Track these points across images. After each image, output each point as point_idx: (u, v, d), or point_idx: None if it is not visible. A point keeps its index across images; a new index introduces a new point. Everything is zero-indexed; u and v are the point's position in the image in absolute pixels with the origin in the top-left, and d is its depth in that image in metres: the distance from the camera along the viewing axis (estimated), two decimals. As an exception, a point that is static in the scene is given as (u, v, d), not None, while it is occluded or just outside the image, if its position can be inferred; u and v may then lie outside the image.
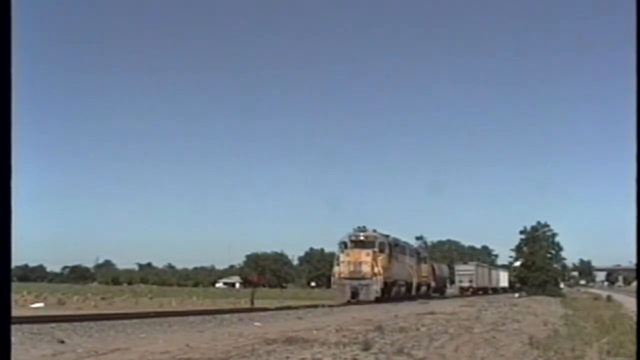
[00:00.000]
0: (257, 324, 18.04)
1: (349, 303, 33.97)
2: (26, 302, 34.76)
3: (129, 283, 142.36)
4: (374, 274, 36.16)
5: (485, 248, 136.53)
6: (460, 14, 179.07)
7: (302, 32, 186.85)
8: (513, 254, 72.65)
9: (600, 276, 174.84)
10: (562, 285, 79.43)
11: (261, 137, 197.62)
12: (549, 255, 69.79)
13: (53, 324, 15.08)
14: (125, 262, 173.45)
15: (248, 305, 32.58)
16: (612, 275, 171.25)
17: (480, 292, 69.70)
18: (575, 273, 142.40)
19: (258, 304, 34.07)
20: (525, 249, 70.15)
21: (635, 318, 19.86)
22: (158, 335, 13.84)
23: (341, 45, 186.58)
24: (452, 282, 68.04)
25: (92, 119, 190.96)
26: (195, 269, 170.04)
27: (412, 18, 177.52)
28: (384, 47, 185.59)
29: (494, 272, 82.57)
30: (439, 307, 29.56)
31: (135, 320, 17.57)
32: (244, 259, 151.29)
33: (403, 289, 41.65)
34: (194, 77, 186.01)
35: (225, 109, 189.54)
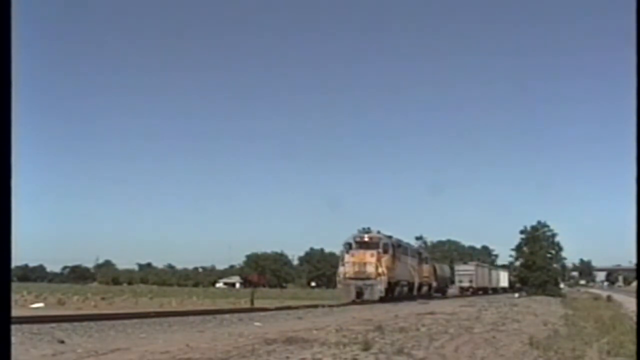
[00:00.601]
0: (257, 324, 18.04)
1: (353, 303, 34.51)
2: (26, 302, 34.74)
3: (129, 283, 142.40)
4: (379, 274, 36.96)
5: (485, 248, 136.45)
6: (461, 14, 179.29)
7: (302, 33, 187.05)
8: (513, 254, 72.71)
9: (600, 276, 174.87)
10: (562, 285, 79.40)
11: (261, 137, 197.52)
12: (549, 255, 69.76)
13: (53, 324, 15.07)
14: (125, 262, 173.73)
15: (248, 306, 32.57)
16: (612, 275, 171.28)
17: (480, 292, 69.73)
18: (575, 273, 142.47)
19: (258, 304, 34.07)
20: (525, 249, 70.13)
21: (635, 318, 19.87)
22: (158, 335, 13.84)
23: (341, 46, 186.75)
24: (453, 282, 68.02)
25: (92, 118, 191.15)
26: (195, 269, 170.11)
27: (413, 18, 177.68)
28: (384, 47, 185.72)
29: (494, 272, 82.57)
30: (439, 307, 29.56)
31: (135, 320, 17.56)
32: (244, 259, 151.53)
33: (405, 289, 42.32)
34: (193, 77, 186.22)
35: (225, 109, 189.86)
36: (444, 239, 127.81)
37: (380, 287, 36.75)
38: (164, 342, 12.27)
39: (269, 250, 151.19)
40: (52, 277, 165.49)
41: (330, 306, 30.10)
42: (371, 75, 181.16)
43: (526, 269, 69.52)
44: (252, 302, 35.61)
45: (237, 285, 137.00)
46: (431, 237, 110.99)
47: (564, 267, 79.79)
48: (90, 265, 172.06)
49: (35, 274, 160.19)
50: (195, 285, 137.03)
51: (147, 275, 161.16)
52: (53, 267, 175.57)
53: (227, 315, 21.33)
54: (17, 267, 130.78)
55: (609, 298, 52.33)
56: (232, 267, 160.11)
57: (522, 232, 70.52)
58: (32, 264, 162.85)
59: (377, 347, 11.99)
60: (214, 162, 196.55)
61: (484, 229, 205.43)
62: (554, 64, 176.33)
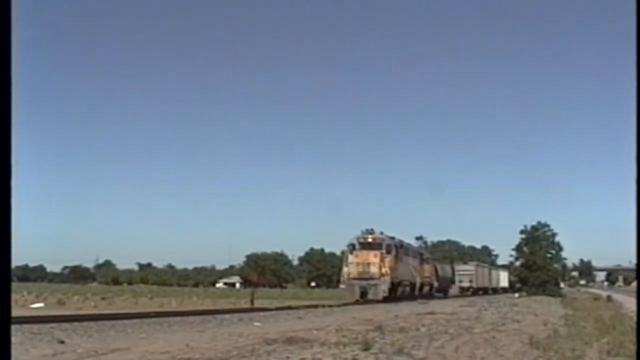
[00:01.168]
0: (257, 324, 18.04)
1: (356, 302, 35.15)
2: (26, 302, 34.74)
3: (129, 283, 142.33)
4: (382, 275, 37.68)
5: (485, 248, 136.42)
6: (461, 14, 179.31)
7: (303, 33, 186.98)
8: (513, 253, 72.69)
9: (600, 276, 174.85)
10: (562, 285, 79.39)
11: (261, 137, 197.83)
12: (549, 255, 69.72)
13: (53, 324, 15.07)
14: (125, 262, 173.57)
15: (248, 306, 32.58)
16: (612, 275, 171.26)
17: (480, 292, 69.69)
18: (575, 273, 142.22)
19: (258, 304, 34.08)
20: (525, 248, 70.11)
21: (635, 318, 19.88)
22: (158, 335, 13.85)
23: (341, 46, 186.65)
24: (453, 282, 68.03)
25: (93, 119, 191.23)
26: (195, 269, 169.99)
27: (413, 18, 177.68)
28: (384, 47, 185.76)
29: (494, 272, 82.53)
30: (439, 307, 29.56)
31: (135, 320, 17.57)
32: (244, 259, 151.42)
33: (407, 289, 42.96)
34: (194, 78, 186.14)
35: (225, 109, 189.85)
36: (444, 239, 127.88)
37: (384, 287, 37.43)
38: (164, 342, 12.27)
39: (269, 250, 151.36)
40: (52, 277, 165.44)
41: (330, 306, 30.13)
42: (371, 75, 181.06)
43: (526, 269, 69.50)
44: (252, 302, 35.63)
45: (237, 285, 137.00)
46: (431, 237, 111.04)
47: (564, 267, 79.74)
48: (90, 265, 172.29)
49: (35, 274, 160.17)
50: (195, 285, 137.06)
51: (147, 275, 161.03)
52: (53, 267, 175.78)
53: (227, 315, 21.33)
54: (17, 267, 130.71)
55: (609, 298, 52.33)
56: (232, 267, 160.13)
57: (522, 232, 70.54)
58: (32, 264, 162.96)
59: (377, 347, 12.00)
60: (214, 162, 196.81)
61: (484, 229, 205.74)
62: (554, 63, 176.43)
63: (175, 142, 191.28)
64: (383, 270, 37.70)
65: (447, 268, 66.00)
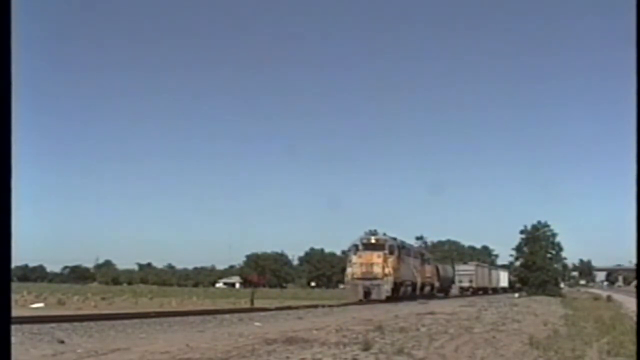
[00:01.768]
0: (257, 324, 18.04)
1: (359, 302, 35.95)
2: (26, 302, 34.72)
3: (129, 283, 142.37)
4: (385, 275, 38.55)
5: (485, 248, 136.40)
6: (461, 14, 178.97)
7: (304, 33, 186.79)
8: (513, 253, 72.66)
9: (600, 276, 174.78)
10: (562, 285, 79.39)
11: (261, 137, 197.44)
12: (549, 255, 69.69)
13: (53, 324, 15.08)
14: (125, 262, 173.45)
15: (248, 306, 32.58)
16: (612, 275, 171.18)
17: (480, 292, 69.71)
18: (575, 273, 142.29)
19: (258, 304, 34.08)
20: (525, 248, 70.08)
21: (635, 318, 19.87)
22: (158, 335, 13.85)
23: (341, 46, 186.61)
24: (454, 282, 68.10)
25: (92, 119, 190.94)
26: (195, 269, 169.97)
27: (413, 18, 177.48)
28: (384, 47, 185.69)
29: (494, 272, 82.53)
30: (439, 307, 29.57)
31: (135, 320, 17.57)
32: (244, 259, 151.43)
33: (409, 289, 43.63)
34: (194, 78, 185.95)
35: (226, 109, 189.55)
36: (444, 239, 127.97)
37: (387, 287, 38.24)
38: (164, 342, 12.27)
39: (269, 250, 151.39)
40: (52, 277, 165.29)
41: (330, 306, 30.14)
42: (371, 75, 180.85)
43: (526, 269, 69.48)
44: (252, 302, 35.65)
45: (237, 285, 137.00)
46: (431, 237, 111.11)
47: (564, 267, 79.75)
48: (90, 265, 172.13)
49: (35, 274, 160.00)
50: (195, 285, 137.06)
51: (147, 275, 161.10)
52: (53, 267, 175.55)
53: (227, 315, 21.34)
54: (17, 267, 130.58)
55: (609, 298, 52.31)
56: (232, 267, 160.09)
57: (522, 232, 70.51)
58: (32, 264, 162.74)
59: (377, 347, 12.00)
60: (214, 162, 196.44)
61: (484, 229, 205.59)
62: (554, 63, 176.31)
63: (175, 142, 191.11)
64: (386, 270, 38.51)
65: (449, 268, 66.22)
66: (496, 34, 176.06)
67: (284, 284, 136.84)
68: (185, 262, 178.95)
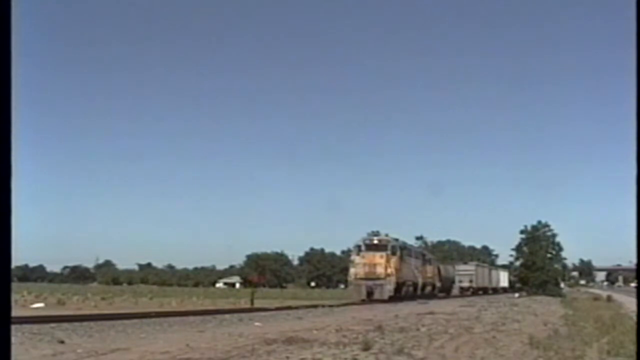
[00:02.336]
0: (257, 324, 18.04)
1: (362, 302, 36.62)
2: (26, 302, 34.69)
3: (129, 283, 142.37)
4: (388, 275, 39.20)
5: (485, 248, 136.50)
6: (461, 13, 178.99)
7: (304, 33, 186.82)
8: (513, 253, 72.74)
9: (600, 276, 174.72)
10: (562, 285, 79.39)
11: (261, 138, 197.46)
12: (549, 255, 69.74)
13: (53, 324, 15.09)
14: (125, 262, 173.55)
15: (248, 306, 32.57)
16: (612, 275, 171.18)
17: (480, 292, 69.71)
18: (575, 273, 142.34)
19: (258, 304, 34.07)
20: (525, 248, 70.14)
21: (635, 318, 19.86)
22: (158, 335, 13.85)
23: (341, 46, 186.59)
24: (454, 282, 68.17)
25: (92, 118, 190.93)
26: (196, 269, 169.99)
27: (413, 18, 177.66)
28: (384, 47, 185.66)
29: (494, 272, 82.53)
30: (439, 307, 29.58)
31: (135, 320, 17.58)
32: (244, 259, 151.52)
33: (411, 288, 44.25)
34: (194, 78, 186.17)
35: (225, 109, 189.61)
36: (444, 239, 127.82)
37: (390, 287, 38.88)
38: (164, 342, 12.27)
39: (269, 250, 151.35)
40: (52, 277, 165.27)
41: (330, 306, 30.15)
42: (371, 75, 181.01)
43: (526, 269, 69.51)
44: (252, 302, 35.64)
45: (237, 285, 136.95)
46: (431, 237, 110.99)
47: (564, 267, 79.78)
48: (90, 265, 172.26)
49: (35, 274, 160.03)
50: (195, 285, 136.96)
51: (147, 275, 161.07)
52: (53, 267, 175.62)
53: (227, 315, 21.34)
54: (17, 267, 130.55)
55: (609, 298, 52.26)
56: (232, 267, 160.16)
57: (522, 232, 70.60)
58: (32, 264, 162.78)
59: (377, 347, 12.00)
60: (214, 162, 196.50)
61: (484, 229, 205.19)
62: (553, 63, 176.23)
63: (175, 142, 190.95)
64: (389, 270, 39.11)
65: (450, 269, 66.47)
66: (496, 34, 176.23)
67: (284, 284, 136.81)
68: (185, 262, 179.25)
